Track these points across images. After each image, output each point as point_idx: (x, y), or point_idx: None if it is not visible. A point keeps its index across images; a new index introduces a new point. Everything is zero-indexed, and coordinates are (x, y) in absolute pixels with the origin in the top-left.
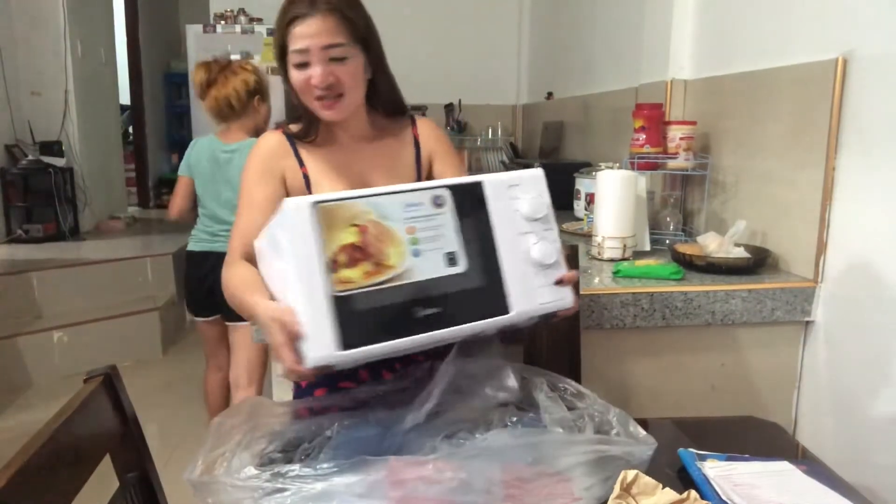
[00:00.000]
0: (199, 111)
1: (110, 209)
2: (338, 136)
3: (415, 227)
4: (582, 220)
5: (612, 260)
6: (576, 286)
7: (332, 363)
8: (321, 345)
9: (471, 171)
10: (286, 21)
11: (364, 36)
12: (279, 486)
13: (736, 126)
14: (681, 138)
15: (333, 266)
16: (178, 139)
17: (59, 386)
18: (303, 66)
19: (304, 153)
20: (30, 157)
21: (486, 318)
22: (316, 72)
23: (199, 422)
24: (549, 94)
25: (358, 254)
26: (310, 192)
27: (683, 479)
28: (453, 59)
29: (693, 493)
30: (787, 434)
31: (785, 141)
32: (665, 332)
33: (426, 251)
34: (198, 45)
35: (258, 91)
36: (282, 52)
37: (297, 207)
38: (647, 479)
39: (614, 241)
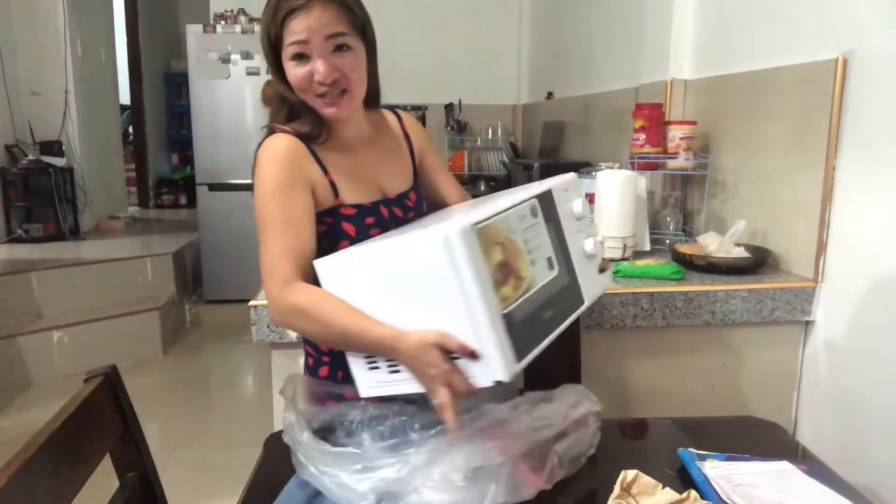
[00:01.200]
0: (200, 111)
1: (110, 209)
2: (344, 135)
3: (527, 238)
4: None
5: (612, 260)
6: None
7: (516, 375)
8: (504, 364)
9: (471, 171)
10: (282, 13)
11: (363, 24)
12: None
13: (736, 126)
14: (681, 138)
15: (496, 285)
16: (178, 139)
17: (59, 386)
18: (302, 58)
19: (322, 156)
20: (30, 157)
21: (575, 310)
22: (319, 66)
23: (199, 421)
24: (549, 94)
25: (506, 270)
26: (339, 200)
27: (683, 478)
28: (453, 59)
29: (693, 492)
30: (787, 434)
31: (785, 141)
32: (665, 332)
33: (537, 259)
34: (198, 45)
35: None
36: (273, 48)
37: (464, 232)
38: (647, 479)
39: (614, 240)
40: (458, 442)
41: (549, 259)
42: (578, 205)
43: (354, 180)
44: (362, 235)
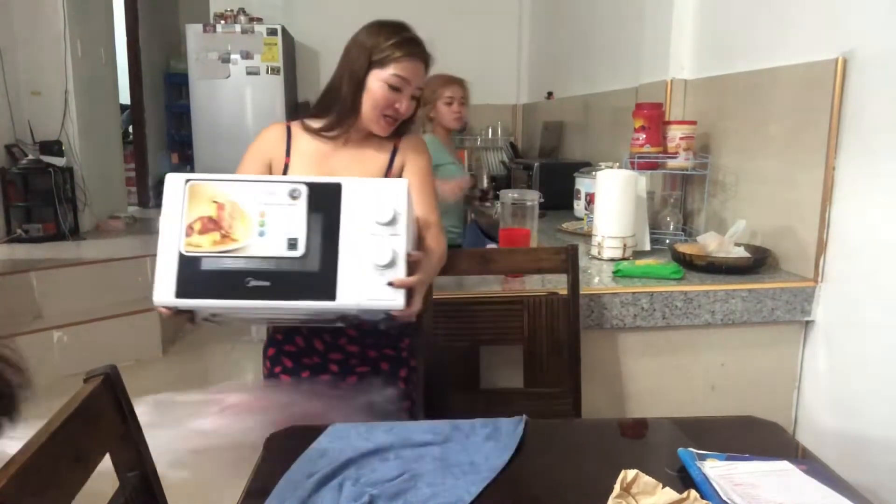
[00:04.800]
0: (200, 111)
1: (110, 209)
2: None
3: (265, 212)
4: (582, 219)
5: (612, 259)
6: (428, 293)
7: (169, 306)
8: (163, 291)
9: (471, 171)
10: (404, 50)
11: None
12: None
13: (736, 126)
14: (681, 138)
15: (188, 231)
16: (178, 139)
17: (59, 386)
18: (395, 90)
19: (294, 145)
20: (30, 157)
21: (312, 299)
22: (404, 103)
23: None
24: (549, 94)
25: (211, 225)
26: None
27: (683, 478)
28: (453, 59)
29: (693, 492)
30: (787, 434)
31: (785, 141)
32: (665, 331)
33: (270, 233)
34: (198, 45)
35: (424, 102)
36: (370, 62)
37: (175, 181)
38: (647, 479)
39: (614, 240)
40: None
41: (293, 240)
42: (378, 209)
43: (310, 165)
44: None
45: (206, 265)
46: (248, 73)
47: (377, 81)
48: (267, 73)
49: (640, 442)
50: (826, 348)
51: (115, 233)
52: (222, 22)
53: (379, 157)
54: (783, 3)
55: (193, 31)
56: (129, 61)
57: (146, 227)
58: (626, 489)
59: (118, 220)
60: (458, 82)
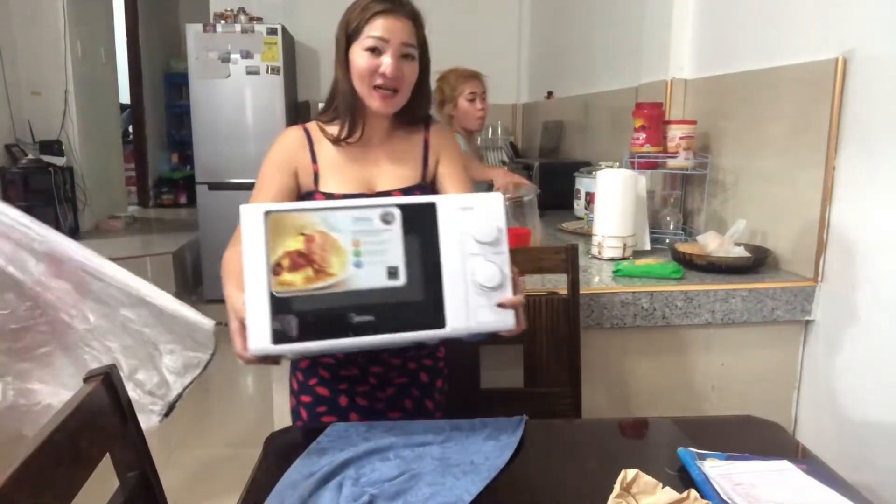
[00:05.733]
0: (200, 111)
1: (110, 209)
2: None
3: (360, 241)
4: (582, 219)
5: (612, 259)
6: (526, 309)
7: (268, 354)
8: (258, 338)
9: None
10: (373, 11)
11: (423, 45)
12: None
13: (736, 126)
14: (681, 138)
15: (277, 270)
16: (178, 139)
17: None
18: (374, 52)
19: (318, 150)
20: (30, 157)
21: (420, 329)
22: (388, 62)
23: (199, 421)
24: (550, 94)
25: (301, 260)
26: (317, 187)
27: (683, 478)
28: (453, 58)
29: (693, 492)
30: (787, 434)
31: (785, 141)
32: (665, 331)
33: (368, 263)
34: (198, 45)
35: (444, 101)
36: (348, 37)
37: (252, 214)
38: (647, 479)
39: (614, 240)
40: None
41: (393, 269)
42: (478, 227)
43: (339, 173)
44: None
45: (303, 305)
46: (248, 73)
47: (356, 52)
48: (267, 72)
49: (640, 442)
50: (826, 348)
51: (115, 233)
52: (222, 22)
53: (412, 155)
54: (783, 3)
55: (193, 31)
56: (129, 61)
57: (146, 227)
58: (626, 489)
59: (118, 219)
60: (478, 77)
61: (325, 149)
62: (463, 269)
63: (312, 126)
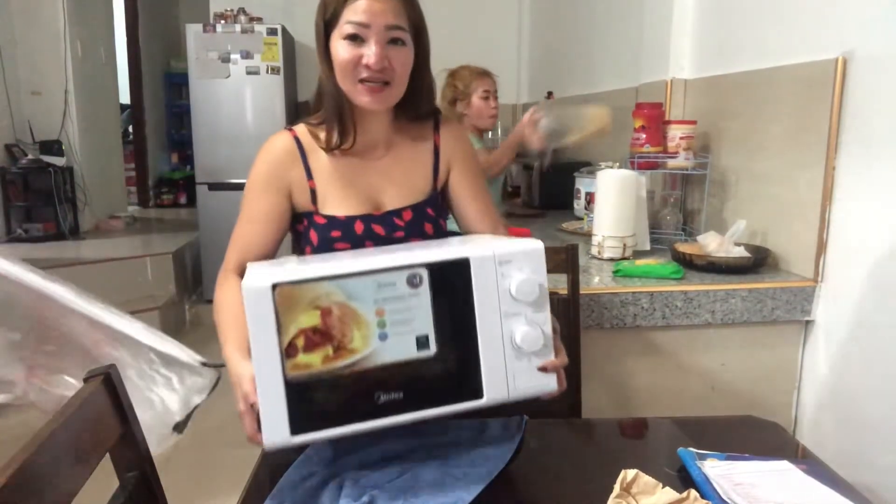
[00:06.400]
0: (200, 111)
1: (110, 209)
2: (357, 139)
3: (384, 310)
4: (582, 219)
5: (612, 259)
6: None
7: (287, 446)
8: (275, 429)
9: None
10: None
11: (418, 27)
12: None
13: (736, 126)
14: (681, 138)
15: (291, 351)
16: (178, 139)
17: None
18: (356, 40)
19: (313, 161)
20: (30, 157)
21: (455, 403)
22: (372, 50)
23: (199, 421)
24: (549, 94)
25: (318, 338)
26: (316, 207)
27: (683, 478)
28: (453, 58)
29: (693, 492)
30: (787, 434)
31: (785, 141)
32: (665, 331)
33: (394, 334)
34: (198, 45)
35: (456, 99)
36: (326, 28)
37: (257, 291)
38: (647, 479)
39: (614, 240)
40: None
41: (423, 338)
42: (517, 284)
43: (341, 189)
44: (325, 247)
45: (323, 388)
46: (248, 73)
47: (335, 42)
48: (267, 72)
49: (640, 442)
50: (826, 348)
51: (115, 233)
52: (222, 22)
53: (420, 163)
54: (783, 3)
55: (193, 31)
56: (129, 61)
57: (146, 227)
58: (626, 489)
59: (118, 219)
60: (490, 75)
61: (320, 160)
62: (500, 332)
63: (303, 131)
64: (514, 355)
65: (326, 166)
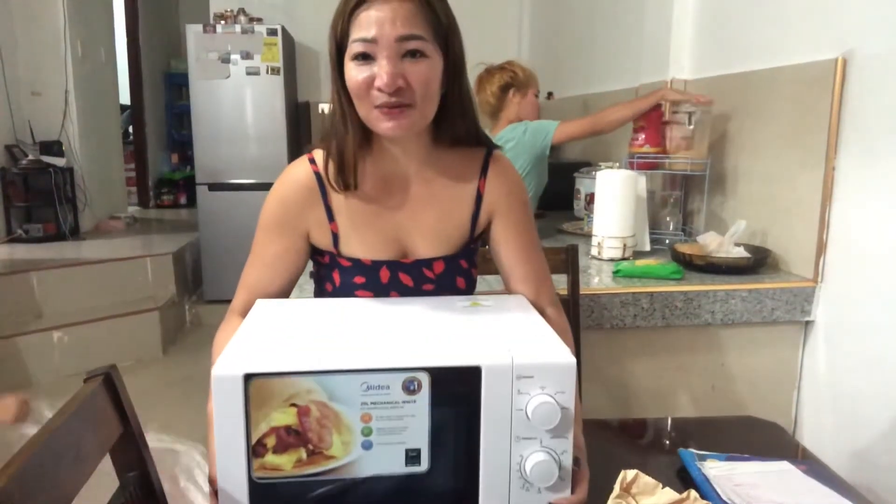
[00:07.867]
0: (200, 111)
1: (110, 209)
2: (380, 170)
3: (371, 415)
4: (582, 219)
5: (612, 260)
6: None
7: None
8: None
9: None
10: (350, 5)
11: (447, 34)
12: None
13: (736, 126)
14: (681, 138)
15: (260, 450)
16: (178, 139)
17: (59, 386)
18: (365, 59)
19: (334, 200)
20: (30, 157)
21: None
22: (383, 68)
23: (199, 421)
24: (550, 94)
25: (291, 438)
26: (338, 250)
27: (683, 478)
28: None
29: (693, 492)
30: (787, 434)
31: (785, 141)
32: (665, 331)
33: (381, 444)
34: (198, 46)
35: (511, 85)
36: (339, 50)
37: (226, 380)
38: (646, 479)
39: (614, 240)
40: None
41: (414, 452)
42: (544, 409)
43: (367, 231)
44: (346, 290)
45: (291, 494)
46: (248, 74)
47: (347, 66)
48: (267, 73)
49: (640, 442)
50: (826, 348)
51: (115, 233)
52: (222, 22)
53: (458, 209)
54: (783, 3)
55: (193, 32)
56: (129, 61)
57: (146, 228)
58: (626, 489)
59: (118, 220)
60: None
61: (344, 202)
62: (508, 458)
63: (323, 163)
64: (521, 486)
65: (350, 204)
